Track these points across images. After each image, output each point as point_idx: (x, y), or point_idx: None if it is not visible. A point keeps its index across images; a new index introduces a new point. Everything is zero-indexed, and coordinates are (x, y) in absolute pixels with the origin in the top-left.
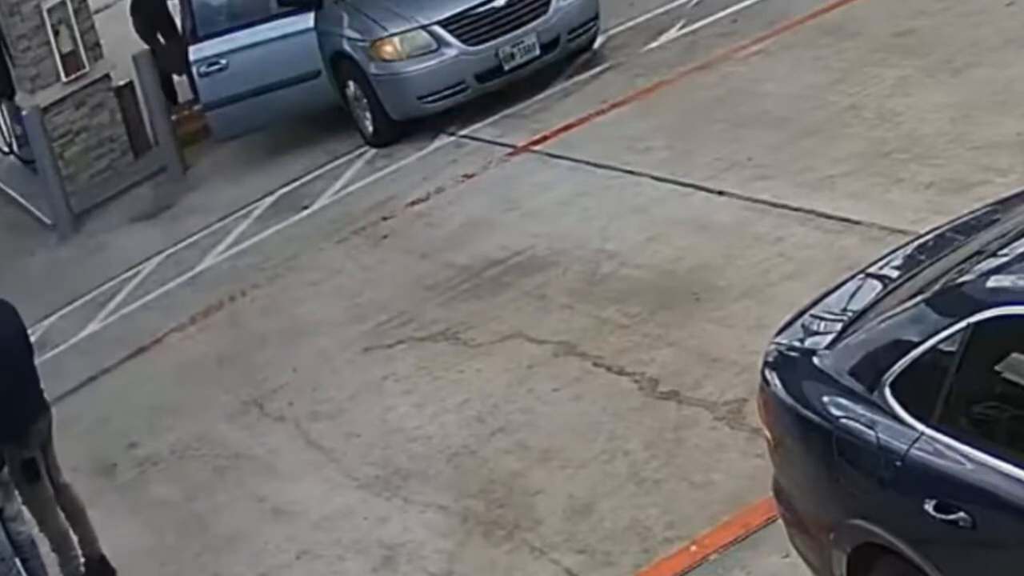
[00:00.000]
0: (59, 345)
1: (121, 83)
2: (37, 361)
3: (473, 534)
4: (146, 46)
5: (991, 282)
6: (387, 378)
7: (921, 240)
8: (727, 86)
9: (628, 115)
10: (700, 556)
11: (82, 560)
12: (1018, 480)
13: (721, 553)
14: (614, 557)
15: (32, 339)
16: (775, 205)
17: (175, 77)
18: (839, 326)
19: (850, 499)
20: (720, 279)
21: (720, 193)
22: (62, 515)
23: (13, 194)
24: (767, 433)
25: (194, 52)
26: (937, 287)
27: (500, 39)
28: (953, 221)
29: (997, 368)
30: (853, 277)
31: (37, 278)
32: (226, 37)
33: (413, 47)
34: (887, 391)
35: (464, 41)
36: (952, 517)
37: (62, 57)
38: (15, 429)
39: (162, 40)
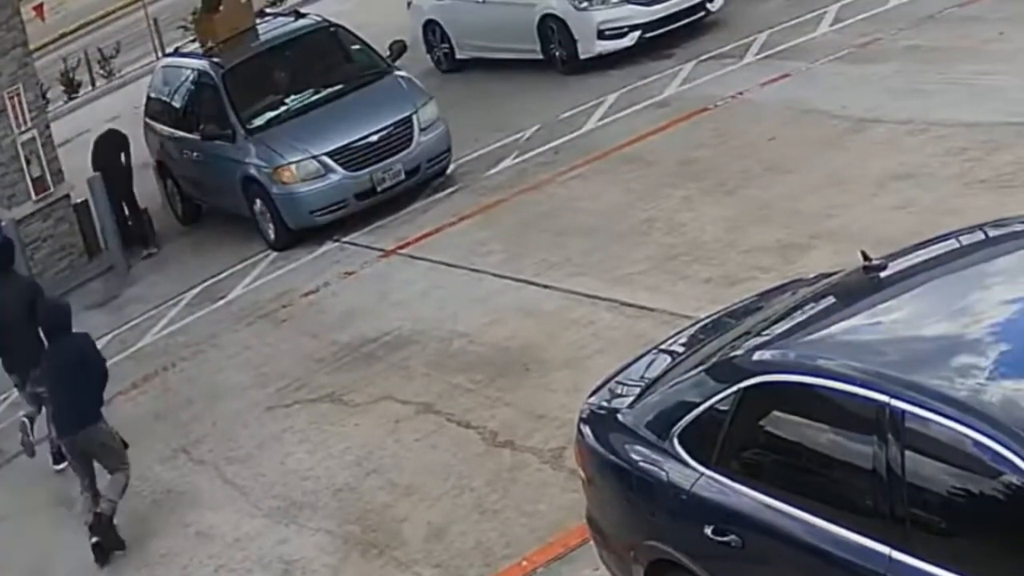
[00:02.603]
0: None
1: (78, 201)
2: (15, 416)
3: (352, 552)
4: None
5: (756, 356)
6: (286, 431)
7: (701, 323)
8: (551, 203)
9: (473, 226)
10: (530, 569)
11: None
12: (777, 510)
13: (546, 567)
14: (463, 570)
15: (10, 398)
16: (588, 296)
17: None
18: (638, 390)
19: (646, 525)
20: (545, 354)
21: (545, 287)
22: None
23: None
24: (581, 473)
25: None
26: (715, 359)
27: (374, 167)
28: (726, 308)
29: (761, 423)
30: (648, 352)
31: None
32: None
33: (306, 173)
34: (675, 440)
35: (346, 168)
36: (725, 539)
37: (32, 181)
38: None
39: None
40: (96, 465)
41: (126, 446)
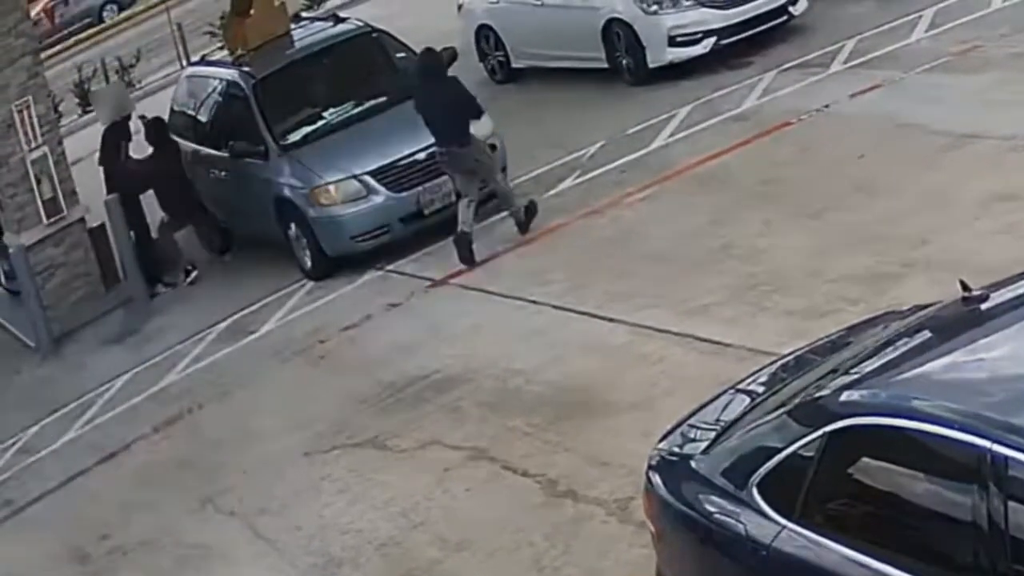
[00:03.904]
0: (41, 451)
1: (94, 225)
2: (24, 464)
3: None
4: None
5: (844, 397)
6: (324, 479)
7: (783, 360)
8: (617, 228)
9: (531, 253)
10: None
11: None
12: (868, 568)
13: None
14: None
15: (19, 444)
16: (658, 330)
17: None
18: (713, 434)
19: None
20: (610, 394)
21: (610, 320)
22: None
23: (1, 320)
24: (651, 526)
25: None
26: (798, 400)
27: (421, 187)
28: (811, 344)
29: (850, 471)
30: (725, 392)
31: (22, 393)
32: None
33: (346, 194)
34: (754, 490)
35: (390, 189)
36: None
37: (43, 203)
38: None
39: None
40: None
41: (494, 148)
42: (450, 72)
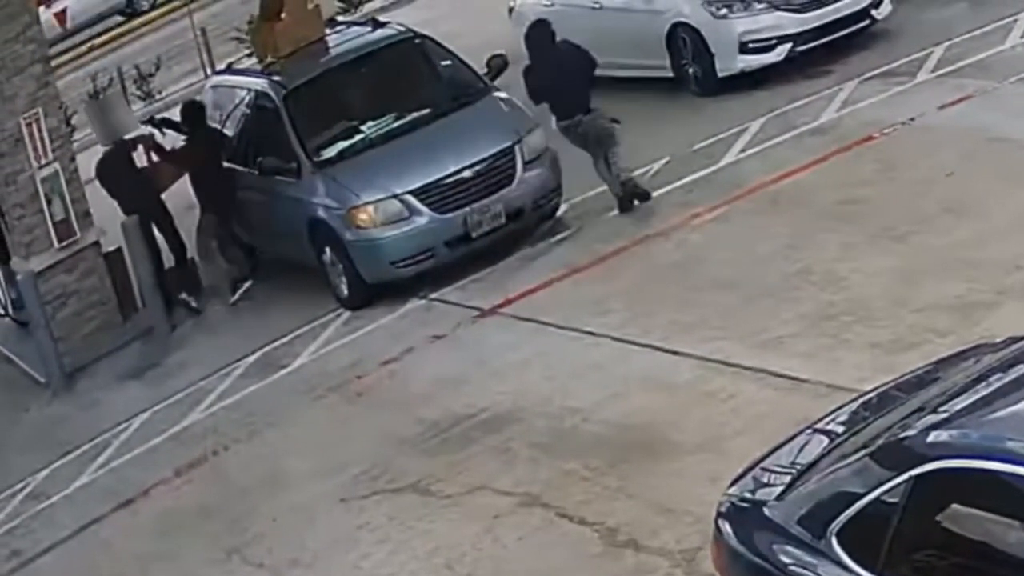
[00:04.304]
0: (52, 496)
1: (110, 249)
2: (33, 511)
3: None
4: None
5: (932, 437)
6: (361, 527)
7: (865, 397)
8: (683, 252)
9: (588, 280)
10: None
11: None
12: None
13: None
14: None
15: (28, 489)
16: (728, 364)
17: None
18: (788, 478)
19: None
20: (675, 434)
21: (676, 353)
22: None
23: (8, 353)
24: None
25: None
26: (881, 442)
27: (468, 208)
28: (896, 380)
29: (938, 519)
30: (801, 432)
31: (31, 433)
32: None
33: (386, 215)
34: (833, 540)
35: (434, 209)
36: None
37: (54, 225)
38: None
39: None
40: None
41: (616, 122)
42: (498, 83)
